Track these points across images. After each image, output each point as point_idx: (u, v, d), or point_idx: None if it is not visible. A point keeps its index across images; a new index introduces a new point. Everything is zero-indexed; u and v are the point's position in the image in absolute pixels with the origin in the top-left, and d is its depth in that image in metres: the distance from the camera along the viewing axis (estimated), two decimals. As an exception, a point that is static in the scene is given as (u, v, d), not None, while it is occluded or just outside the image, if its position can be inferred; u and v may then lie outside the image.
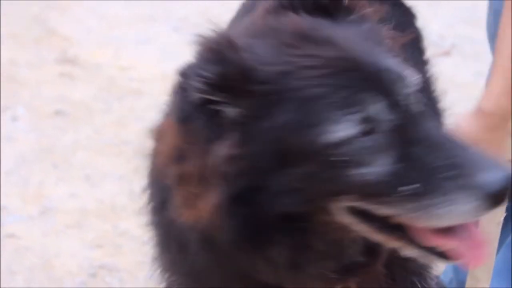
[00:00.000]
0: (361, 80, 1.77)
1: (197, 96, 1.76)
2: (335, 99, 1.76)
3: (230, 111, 1.80)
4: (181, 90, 1.81)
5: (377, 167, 1.77)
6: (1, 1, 7.75)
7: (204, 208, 1.85)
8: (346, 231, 1.91)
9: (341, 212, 1.85)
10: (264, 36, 1.88)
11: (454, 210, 1.72)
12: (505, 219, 2.68)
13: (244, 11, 3.12)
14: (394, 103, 1.78)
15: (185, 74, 1.80)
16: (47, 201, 4.86)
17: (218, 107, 1.79)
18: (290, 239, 1.88)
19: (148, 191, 2.25)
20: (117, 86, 6.68)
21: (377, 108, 1.76)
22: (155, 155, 2.05)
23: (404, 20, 3.00)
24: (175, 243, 2.16)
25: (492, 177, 1.68)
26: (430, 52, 2.76)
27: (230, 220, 1.84)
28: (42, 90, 6.63)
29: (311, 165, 1.79)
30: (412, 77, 1.85)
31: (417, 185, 1.73)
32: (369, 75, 1.79)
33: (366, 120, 1.75)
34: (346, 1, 2.01)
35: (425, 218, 1.76)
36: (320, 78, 1.78)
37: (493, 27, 3.16)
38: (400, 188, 1.74)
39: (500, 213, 2.52)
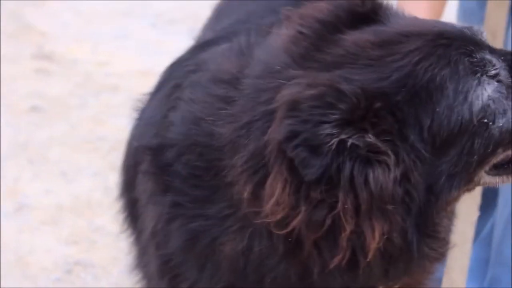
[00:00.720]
0: (461, 46, 1.84)
1: (333, 141, 1.72)
2: (463, 69, 1.83)
3: (371, 136, 1.77)
4: (304, 147, 1.73)
5: None
6: (-24, -3, 7.69)
7: (373, 241, 1.82)
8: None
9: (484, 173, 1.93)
10: (345, 63, 1.88)
11: None
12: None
13: (218, 15, 3.10)
14: (491, 50, 1.88)
15: (297, 132, 1.73)
16: (23, 197, 4.84)
17: (352, 141, 1.75)
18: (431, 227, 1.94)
19: (171, 221, 2.16)
20: (94, 82, 6.66)
21: (490, 60, 1.84)
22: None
23: None
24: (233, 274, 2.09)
25: None
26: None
27: (410, 230, 1.85)
28: (18, 85, 6.60)
29: (467, 140, 1.83)
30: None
31: None
32: (460, 39, 1.87)
33: (492, 73, 1.84)
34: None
35: None
36: (435, 62, 1.83)
37: (461, 21, 3.21)
38: None
39: (474, 212, 2.52)
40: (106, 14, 8.47)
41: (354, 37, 1.93)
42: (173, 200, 2.08)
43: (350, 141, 1.72)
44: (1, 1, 8.77)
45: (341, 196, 1.74)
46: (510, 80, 1.84)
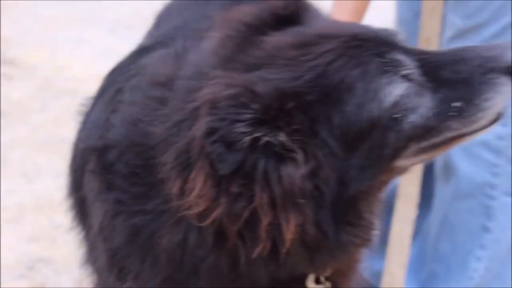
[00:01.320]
0: (373, 47, 1.87)
1: (246, 139, 1.76)
2: (373, 69, 1.85)
3: (283, 135, 1.81)
4: (220, 143, 1.77)
5: (426, 105, 1.87)
6: None
7: (288, 231, 1.85)
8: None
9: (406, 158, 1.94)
10: (264, 64, 1.91)
11: (498, 95, 1.86)
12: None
13: (158, 22, 3.14)
14: (406, 50, 1.90)
15: (214, 129, 1.77)
16: (-14, 198, 4.85)
17: (266, 139, 1.79)
18: (354, 217, 1.96)
19: (116, 217, 2.18)
20: (54, 86, 6.65)
21: (402, 60, 1.87)
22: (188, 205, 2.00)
23: None
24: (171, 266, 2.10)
25: (503, 55, 1.83)
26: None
27: (322, 223, 1.87)
28: (-20, 90, 6.58)
29: (378, 134, 1.86)
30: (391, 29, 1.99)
31: (459, 103, 1.86)
32: (373, 40, 1.89)
33: (403, 73, 1.86)
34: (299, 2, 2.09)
35: (482, 117, 1.89)
36: (347, 63, 1.85)
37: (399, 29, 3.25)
38: (450, 112, 1.86)
39: (413, 212, 2.57)
40: (65, 20, 8.44)
41: (275, 39, 1.96)
42: (116, 198, 2.11)
43: (264, 139, 1.77)
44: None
45: (257, 190, 1.78)
46: (422, 79, 1.87)
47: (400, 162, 1.95)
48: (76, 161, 2.48)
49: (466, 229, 2.95)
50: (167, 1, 3.23)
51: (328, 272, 2.12)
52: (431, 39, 2.70)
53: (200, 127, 1.79)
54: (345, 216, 1.90)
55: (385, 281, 2.72)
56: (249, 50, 1.97)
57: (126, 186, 2.07)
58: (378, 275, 2.94)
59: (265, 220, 1.82)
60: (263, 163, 1.77)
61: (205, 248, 1.94)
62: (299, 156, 1.80)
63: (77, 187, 2.51)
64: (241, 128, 1.75)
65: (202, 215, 1.85)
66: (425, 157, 2.04)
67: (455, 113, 1.84)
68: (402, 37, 1.97)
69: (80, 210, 2.54)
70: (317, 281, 2.14)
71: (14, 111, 6.17)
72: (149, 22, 3.27)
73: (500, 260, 2.95)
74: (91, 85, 6.32)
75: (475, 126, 1.91)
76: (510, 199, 2.87)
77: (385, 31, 1.96)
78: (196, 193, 1.82)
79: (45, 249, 4.27)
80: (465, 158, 2.88)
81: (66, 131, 5.71)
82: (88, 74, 6.64)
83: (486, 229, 2.91)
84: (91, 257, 2.53)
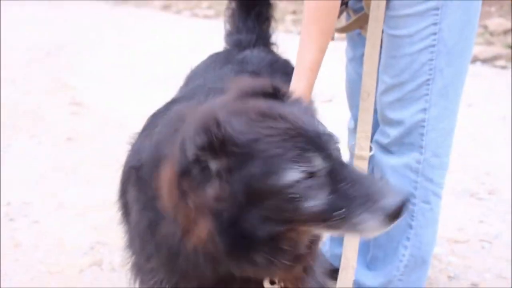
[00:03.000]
0: (305, 142, 1.77)
1: (193, 155, 1.75)
2: (288, 156, 1.75)
3: (215, 165, 1.78)
4: (181, 152, 1.77)
5: (318, 200, 1.75)
6: None
7: (201, 232, 1.82)
8: (307, 234, 1.92)
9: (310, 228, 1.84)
10: (238, 114, 1.85)
11: (367, 225, 1.72)
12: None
13: (187, 81, 3.12)
14: (327, 156, 1.78)
15: (184, 142, 1.77)
16: (60, 199, 4.82)
17: (207, 163, 1.78)
18: (269, 248, 1.84)
19: (141, 213, 2.18)
20: (109, 121, 6.64)
21: (316, 161, 1.76)
22: (156, 192, 1.98)
23: None
24: (166, 251, 2.03)
25: (390, 202, 1.69)
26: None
27: (221, 240, 1.80)
28: (58, 123, 6.58)
29: (275, 201, 1.77)
30: (335, 136, 1.87)
31: (344, 210, 1.73)
32: (311, 138, 1.79)
33: (310, 168, 1.75)
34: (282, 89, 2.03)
35: (352, 232, 1.77)
36: (277, 142, 1.77)
37: (348, 89, 3.25)
38: (334, 213, 1.74)
39: None
40: (116, 75, 8.47)
41: (256, 103, 1.93)
42: (142, 199, 2.11)
43: (207, 162, 1.77)
44: (47, 67, 8.73)
45: (191, 193, 1.78)
46: (326, 179, 1.75)
47: (305, 228, 1.85)
48: (124, 176, 2.45)
49: (396, 226, 2.88)
50: (195, 65, 3.22)
51: (279, 276, 2.03)
52: (370, 93, 2.69)
53: (175, 145, 1.82)
54: (259, 245, 1.82)
55: (342, 262, 2.69)
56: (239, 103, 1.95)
57: (147, 191, 2.03)
58: (337, 257, 2.92)
59: (191, 220, 1.82)
60: (200, 176, 1.77)
61: (179, 237, 1.89)
62: (217, 183, 1.77)
63: (123, 194, 2.48)
64: (197, 149, 1.75)
65: (166, 206, 1.86)
66: (325, 231, 1.95)
67: (338, 215, 1.74)
68: (337, 145, 1.86)
69: (125, 210, 2.51)
70: (272, 282, 2.06)
71: (80, 139, 6.17)
72: (180, 79, 3.26)
73: (419, 248, 2.95)
74: (135, 120, 6.35)
75: (350, 229, 1.78)
76: (426, 205, 2.86)
77: (328, 135, 1.84)
78: (164, 187, 1.85)
79: (102, 235, 4.24)
80: (394, 175, 2.87)
81: (117, 153, 5.72)
82: (132, 113, 6.64)
83: (410, 226, 2.89)
84: (131, 243, 2.49)
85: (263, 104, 1.93)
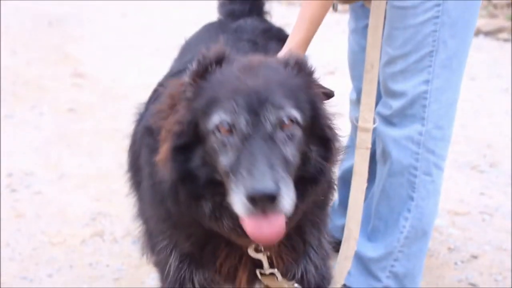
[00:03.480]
0: (244, 103, 1.73)
1: (188, 79, 1.87)
2: (221, 105, 1.75)
3: (189, 93, 1.85)
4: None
5: (226, 159, 1.73)
6: None
7: (163, 151, 1.86)
8: None
9: None
10: (227, 61, 1.91)
11: (236, 206, 1.66)
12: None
13: (182, 52, 3.11)
14: (251, 121, 1.72)
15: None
16: (62, 169, 4.82)
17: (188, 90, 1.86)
18: (212, 199, 1.83)
19: (151, 175, 2.10)
20: (111, 92, 6.60)
21: (241, 121, 1.72)
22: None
23: None
24: (160, 196, 2.03)
25: (252, 187, 1.60)
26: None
27: (173, 165, 1.82)
28: (60, 95, 6.56)
29: (207, 145, 1.78)
30: (282, 114, 1.75)
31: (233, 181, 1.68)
32: (251, 102, 1.74)
33: (232, 123, 1.73)
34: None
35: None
36: (222, 91, 1.79)
37: (350, 60, 3.23)
38: (231, 175, 1.70)
39: (364, 184, 2.53)
40: (119, 47, 8.43)
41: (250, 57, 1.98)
42: (154, 161, 2.04)
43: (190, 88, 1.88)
44: (49, 38, 8.69)
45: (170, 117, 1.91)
46: (239, 142, 1.72)
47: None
48: (135, 144, 2.43)
49: (397, 197, 2.92)
50: (188, 35, 3.20)
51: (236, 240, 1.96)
52: (374, 64, 2.66)
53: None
54: (204, 190, 1.84)
55: (345, 233, 2.69)
56: None
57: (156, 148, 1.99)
58: (339, 229, 2.91)
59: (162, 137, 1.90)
60: (183, 100, 1.88)
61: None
62: (183, 108, 1.85)
63: (134, 163, 2.47)
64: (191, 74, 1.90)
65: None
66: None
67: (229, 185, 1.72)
68: (275, 116, 1.76)
69: (136, 179, 2.49)
70: (257, 250, 2.03)
71: (82, 110, 6.15)
72: (175, 48, 3.23)
73: (420, 220, 2.94)
74: (137, 92, 6.36)
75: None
76: (428, 177, 2.85)
77: (268, 104, 1.76)
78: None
79: (104, 206, 4.25)
80: (396, 147, 2.86)
81: (119, 124, 5.72)
82: (135, 85, 6.64)
83: (411, 198, 2.88)
84: (141, 212, 2.47)
85: (251, 58, 1.95)
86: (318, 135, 1.86)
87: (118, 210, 4.17)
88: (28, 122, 5.82)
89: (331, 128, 1.90)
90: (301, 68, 1.92)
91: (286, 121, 1.76)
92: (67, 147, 5.25)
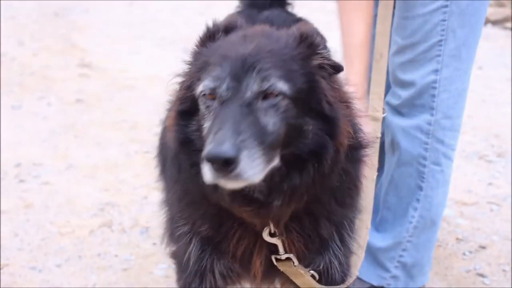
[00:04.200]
0: (230, 70, 1.72)
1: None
2: (211, 70, 1.76)
3: (190, 57, 1.91)
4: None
5: (207, 122, 1.74)
6: None
7: (170, 116, 1.90)
8: None
9: None
10: (232, 28, 1.94)
11: (202, 169, 1.65)
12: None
13: None
14: (236, 90, 1.71)
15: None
16: (70, 160, 4.83)
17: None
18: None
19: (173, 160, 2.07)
20: (117, 83, 6.62)
21: (222, 86, 1.72)
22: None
23: None
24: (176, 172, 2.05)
25: (209, 149, 1.58)
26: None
27: (177, 130, 1.85)
28: (67, 85, 6.56)
29: (199, 112, 1.80)
30: (265, 83, 1.72)
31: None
32: (236, 69, 1.72)
33: (214, 88, 1.73)
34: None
35: None
36: (214, 58, 1.80)
37: None
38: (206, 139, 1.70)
39: (374, 174, 2.50)
40: (124, 37, 8.41)
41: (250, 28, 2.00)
42: None
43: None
44: (55, 28, 8.68)
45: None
46: (218, 107, 1.73)
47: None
48: (162, 137, 2.41)
49: (406, 187, 2.92)
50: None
51: (277, 227, 1.97)
52: (383, 54, 2.64)
53: None
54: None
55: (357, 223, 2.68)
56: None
57: None
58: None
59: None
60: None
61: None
62: (186, 75, 1.92)
63: (162, 152, 2.48)
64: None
65: None
66: None
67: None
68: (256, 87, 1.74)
69: (163, 168, 2.49)
70: (272, 235, 2.00)
71: (89, 100, 6.15)
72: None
73: (429, 210, 2.94)
74: (144, 83, 6.36)
75: None
76: (437, 167, 2.85)
77: (253, 77, 1.74)
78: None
79: (112, 197, 4.25)
80: (405, 137, 2.86)
81: (126, 114, 5.74)
82: (141, 75, 6.63)
83: (420, 188, 2.88)
84: (166, 198, 2.42)
85: (255, 27, 1.98)
86: (316, 109, 1.80)
87: (126, 200, 4.17)
88: (35, 113, 5.81)
89: (331, 103, 1.82)
90: (303, 39, 1.87)
91: (270, 91, 1.72)
92: (74, 138, 5.26)
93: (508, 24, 8.86)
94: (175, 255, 2.34)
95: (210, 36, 1.92)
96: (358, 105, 2.02)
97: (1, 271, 3.43)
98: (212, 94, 1.74)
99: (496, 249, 3.69)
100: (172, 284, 2.67)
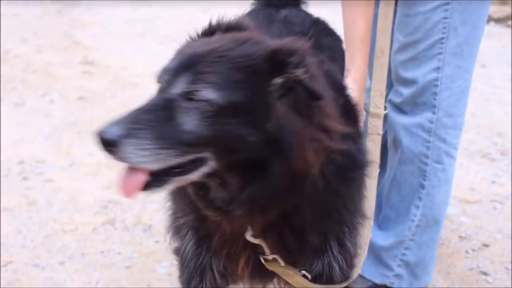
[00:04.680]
0: (176, 65, 1.73)
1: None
2: (169, 62, 1.78)
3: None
4: None
5: None
6: None
7: None
8: None
9: None
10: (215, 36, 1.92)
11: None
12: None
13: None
14: (168, 86, 1.71)
15: None
16: (73, 157, 4.83)
17: None
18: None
19: None
20: (120, 80, 6.62)
21: (163, 77, 1.75)
22: None
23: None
24: None
25: (101, 127, 1.62)
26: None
27: None
28: (70, 82, 6.57)
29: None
30: (192, 87, 1.68)
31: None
32: (179, 65, 1.72)
33: (159, 78, 1.76)
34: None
35: None
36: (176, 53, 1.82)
37: None
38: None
39: (376, 172, 2.49)
40: (128, 34, 8.42)
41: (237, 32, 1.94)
42: None
43: None
44: (57, 24, 8.69)
45: None
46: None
47: None
48: None
49: (408, 185, 2.92)
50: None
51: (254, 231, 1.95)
52: (384, 50, 2.64)
53: None
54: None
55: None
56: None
57: None
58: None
59: None
60: None
61: None
62: None
63: None
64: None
65: None
66: None
67: None
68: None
69: None
70: (254, 236, 1.97)
71: (92, 98, 6.15)
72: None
73: (431, 208, 2.94)
74: (147, 80, 6.35)
75: None
76: (439, 165, 2.85)
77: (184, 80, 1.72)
78: None
79: (115, 194, 4.24)
80: (407, 135, 2.86)
81: (130, 112, 5.72)
82: (144, 73, 6.62)
83: (422, 186, 2.88)
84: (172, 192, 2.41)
85: (242, 33, 1.91)
86: (262, 126, 1.70)
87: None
88: (38, 110, 5.82)
89: (281, 126, 1.70)
90: (272, 55, 1.74)
91: (192, 94, 1.67)
92: (77, 135, 5.26)
93: (511, 22, 8.84)
94: (177, 251, 2.35)
95: (208, 33, 1.92)
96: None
97: (4, 268, 3.44)
98: (159, 82, 1.78)
99: (499, 247, 3.69)
100: (174, 281, 2.67)
